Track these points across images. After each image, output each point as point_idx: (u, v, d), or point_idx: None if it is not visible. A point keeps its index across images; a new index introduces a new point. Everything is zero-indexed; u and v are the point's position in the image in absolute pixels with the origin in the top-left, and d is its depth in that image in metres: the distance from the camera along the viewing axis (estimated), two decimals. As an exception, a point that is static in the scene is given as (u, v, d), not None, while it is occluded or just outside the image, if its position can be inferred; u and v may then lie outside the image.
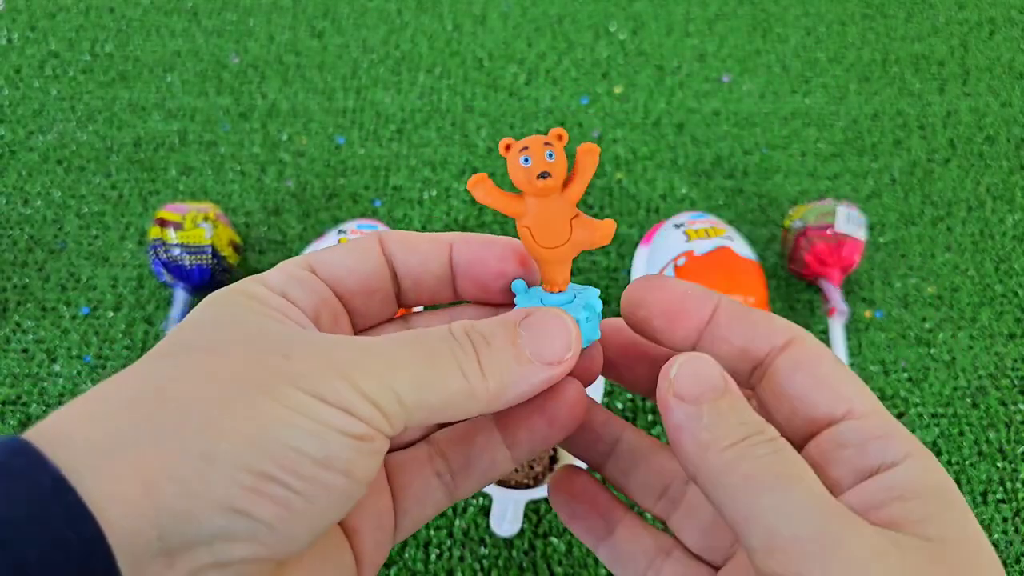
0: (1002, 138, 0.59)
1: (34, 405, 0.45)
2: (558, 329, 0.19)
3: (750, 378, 0.20)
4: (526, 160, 0.20)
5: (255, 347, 0.16)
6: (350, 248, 0.21)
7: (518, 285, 0.21)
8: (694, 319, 0.20)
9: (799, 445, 0.19)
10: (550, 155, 0.20)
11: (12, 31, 0.65)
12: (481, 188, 0.20)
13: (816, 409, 0.19)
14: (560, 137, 0.20)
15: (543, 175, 0.20)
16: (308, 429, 0.15)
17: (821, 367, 0.19)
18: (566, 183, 0.20)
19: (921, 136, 0.59)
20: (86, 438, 0.14)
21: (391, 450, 0.21)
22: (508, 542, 0.40)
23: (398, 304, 0.22)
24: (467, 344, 0.18)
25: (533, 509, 0.41)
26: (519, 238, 0.21)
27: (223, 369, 0.16)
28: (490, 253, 0.21)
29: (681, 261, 0.45)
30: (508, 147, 0.20)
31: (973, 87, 0.62)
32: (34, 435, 0.14)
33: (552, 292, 0.21)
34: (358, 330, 0.21)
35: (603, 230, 0.21)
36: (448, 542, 0.40)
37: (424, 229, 0.53)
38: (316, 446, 0.15)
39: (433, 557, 0.40)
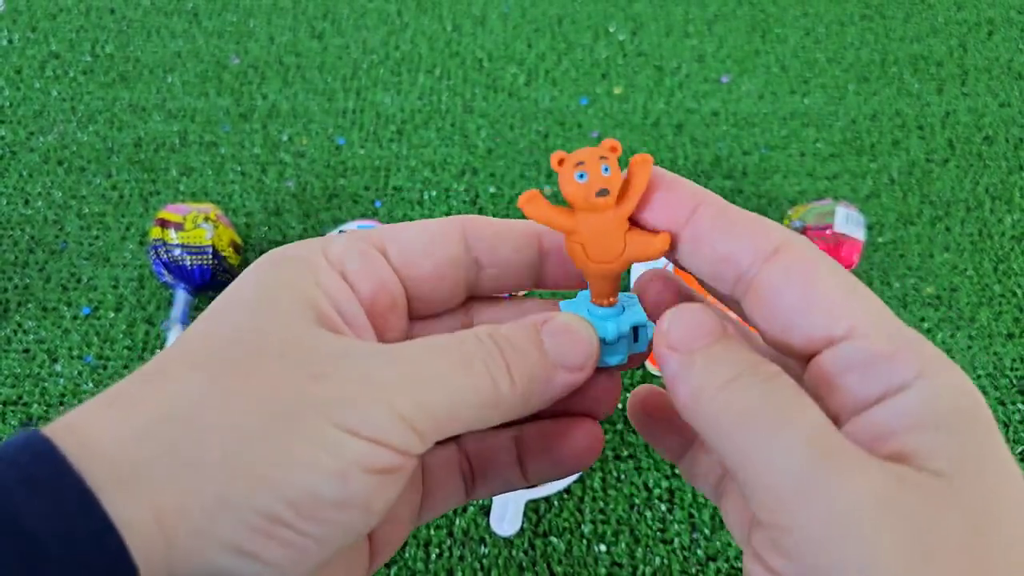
0: (1000, 138, 0.59)
1: (35, 405, 0.45)
2: (579, 335, 0.19)
3: (732, 287, 0.18)
4: (581, 176, 0.19)
5: (290, 362, 0.16)
6: (430, 231, 0.20)
7: (576, 305, 0.21)
8: (672, 211, 0.18)
9: (796, 370, 0.17)
10: (605, 169, 0.19)
11: (13, 32, 0.65)
12: (533, 205, 0.19)
13: (813, 328, 0.16)
14: (614, 149, 0.19)
15: (602, 192, 0.19)
16: (331, 470, 0.15)
17: (816, 277, 0.17)
18: (619, 197, 0.19)
19: (920, 136, 0.59)
20: (110, 457, 0.14)
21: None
22: (508, 541, 0.40)
23: (468, 292, 0.21)
24: (494, 349, 0.18)
25: (533, 508, 0.41)
26: (568, 252, 0.20)
27: (254, 392, 0.15)
28: None
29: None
30: (561, 161, 0.19)
31: (972, 87, 0.63)
32: (60, 434, 0.14)
33: (600, 304, 0.20)
34: (416, 316, 0.21)
35: (657, 245, 0.19)
36: (448, 541, 0.40)
37: (424, 229, 0.53)
38: (336, 488, 0.15)
39: (433, 556, 0.40)
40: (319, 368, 0.16)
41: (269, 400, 0.15)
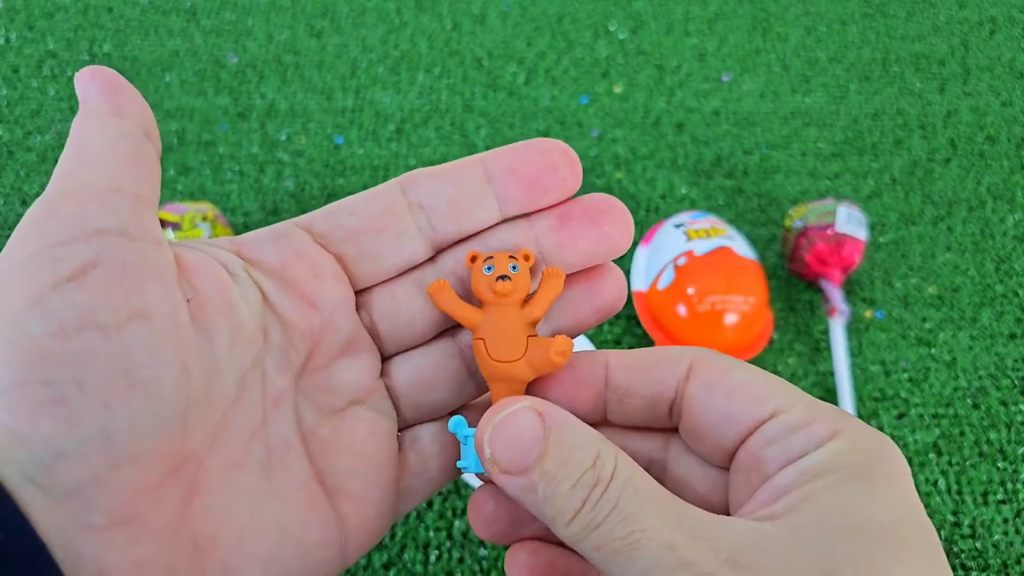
0: (1003, 137, 0.59)
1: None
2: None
3: (670, 419, 0.19)
4: (489, 268, 0.20)
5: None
6: (363, 193, 0.20)
7: (456, 423, 0.20)
8: (590, 387, 0.20)
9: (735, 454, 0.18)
10: (513, 267, 0.20)
11: (10, 31, 0.64)
12: (441, 295, 0.20)
13: (742, 420, 0.18)
14: (527, 257, 0.20)
15: (503, 277, 0.19)
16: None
17: (733, 378, 0.18)
18: (526, 301, 0.20)
19: (922, 136, 0.59)
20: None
21: (410, 426, 0.22)
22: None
23: (427, 239, 0.20)
24: None
25: (533, 510, 0.41)
26: (473, 352, 0.20)
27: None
28: (531, 150, 0.20)
29: (681, 261, 0.44)
30: (474, 258, 0.20)
31: (974, 86, 0.62)
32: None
33: None
34: (368, 281, 0.20)
35: (559, 347, 0.19)
36: (447, 544, 0.40)
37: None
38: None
39: (432, 559, 0.40)
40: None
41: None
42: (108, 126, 0.18)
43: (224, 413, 0.17)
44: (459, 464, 0.20)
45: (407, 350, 0.21)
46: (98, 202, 0.16)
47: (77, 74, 0.18)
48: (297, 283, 0.19)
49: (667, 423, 0.20)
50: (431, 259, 0.21)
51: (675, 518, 0.15)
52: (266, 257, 0.19)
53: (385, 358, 0.21)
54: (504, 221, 0.21)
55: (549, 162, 0.19)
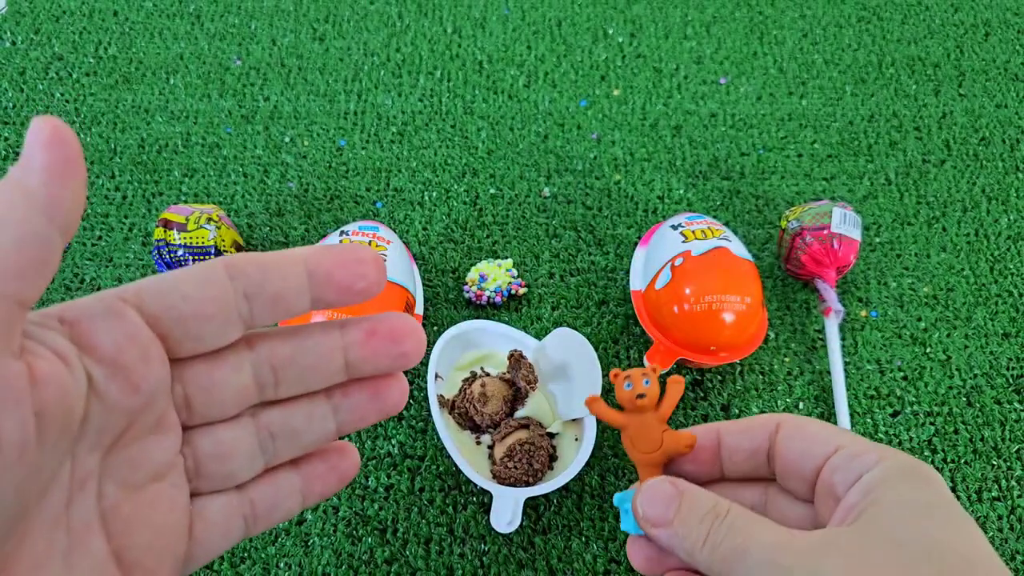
0: (997, 139, 0.60)
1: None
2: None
3: (768, 467, 0.27)
4: (628, 385, 0.27)
5: None
6: (190, 274, 0.20)
7: (621, 497, 0.27)
8: (708, 454, 0.27)
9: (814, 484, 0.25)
10: (647, 382, 0.27)
11: (16, 34, 0.65)
12: (596, 406, 0.28)
13: (816, 455, 0.25)
14: (655, 369, 0.27)
15: (640, 396, 0.27)
16: None
17: (809, 430, 0.25)
18: (658, 404, 0.27)
19: (916, 137, 0.60)
20: None
21: (198, 495, 0.23)
22: (508, 538, 0.41)
23: (246, 326, 0.21)
24: None
25: (532, 506, 0.42)
26: (623, 444, 0.27)
27: None
28: (348, 257, 0.21)
29: (679, 261, 0.45)
30: (616, 375, 0.28)
31: (968, 89, 0.63)
32: None
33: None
34: (191, 356, 0.21)
35: (686, 440, 0.27)
36: (448, 539, 0.41)
37: (426, 230, 0.54)
38: None
39: (434, 553, 0.40)
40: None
41: None
42: (28, 223, 0.16)
43: (34, 508, 0.17)
44: (622, 528, 0.26)
45: (211, 423, 0.22)
46: None
47: (33, 123, 0.16)
48: (126, 368, 0.19)
49: (767, 472, 0.27)
50: (249, 346, 0.22)
51: (773, 527, 0.22)
52: (100, 342, 0.19)
53: (186, 427, 0.22)
54: (319, 326, 0.23)
55: (362, 271, 0.21)
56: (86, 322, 0.19)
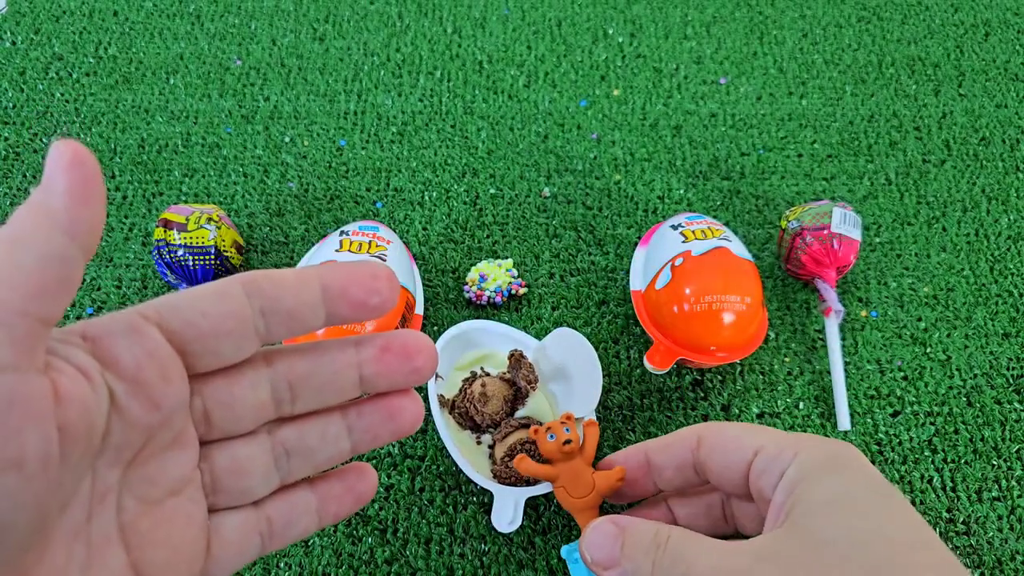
0: (997, 139, 0.60)
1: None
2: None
3: (700, 477, 0.28)
4: (552, 436, 0.29)
5: None
6: (207, 291, 0.20)
7: (568, 549, 0.29)
8: (641, 473, 0.29)
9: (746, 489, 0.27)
10: (567, 430, 0.29)
11: (16, 34, 0.65)
12: (524, 464, 0.29)
13: (739, 464, 0.26)
14: (569, 417, 0.30)
15: (567, 441, 0.29)
16: None
17: (725, 436, 0.27)
18: (581, 448, 0.29)
19: (916, 137, 0.60)
20: None
21: (215, 511, 0.23)
22: (508, 538, 0.41)
23: (262, 342, 0.21)
24: None
25: (533, 506, 0.42)
26: (557, 498, 0.29)
27: None
28: (361, 273, 0.22)
29: (679, 261, 0.45)
30: (536, 431, 0.30)
31: (968, 89, 0.63)
32: None
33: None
34: (208, 372, 0.21)
35: (616, 475, 0.28)
36: (449, 539, 0.41)
37: (426, 230, 0.54)
38: None
39: (434, 553, 0.40)
40: None
41: None
42: (50, 243, 0.16)
43: (54, 521, 0.18)
44: None
45: (228, 439, 0.23)
46: (3, 329, 0.16)
47: (53, 146, 0.17)
48: (147, 385, 0.19)
49: (698, 483, 0.28)
50: (267, 362, 0.22)
51: (714, 548, 0.23)
52: (122, 359, 0.19)
53: (204, 442, 0.22)
54: (335, 343, 0.23)
55: (376, 287, 0.22)
56: (108, 339, 0.19)
